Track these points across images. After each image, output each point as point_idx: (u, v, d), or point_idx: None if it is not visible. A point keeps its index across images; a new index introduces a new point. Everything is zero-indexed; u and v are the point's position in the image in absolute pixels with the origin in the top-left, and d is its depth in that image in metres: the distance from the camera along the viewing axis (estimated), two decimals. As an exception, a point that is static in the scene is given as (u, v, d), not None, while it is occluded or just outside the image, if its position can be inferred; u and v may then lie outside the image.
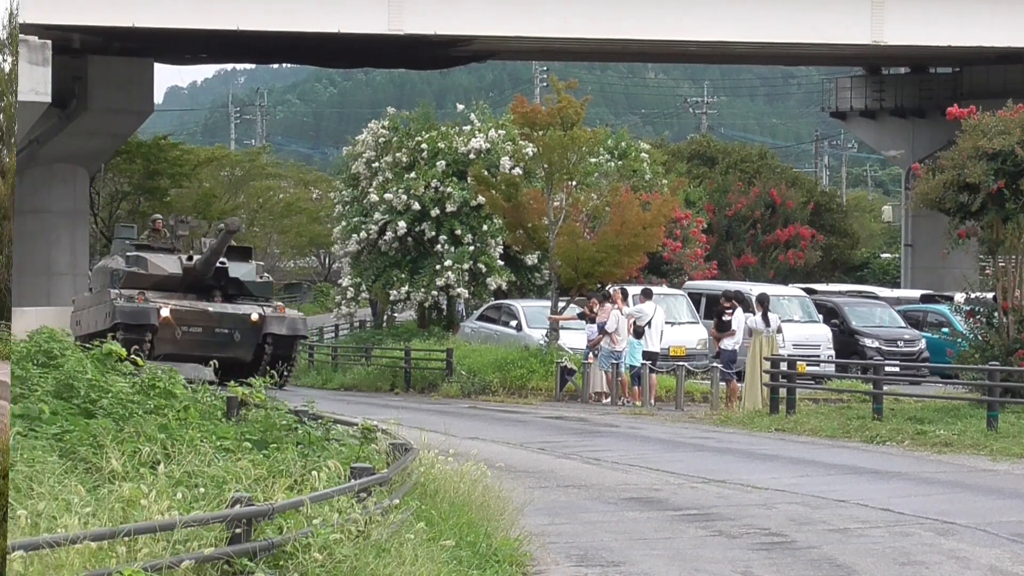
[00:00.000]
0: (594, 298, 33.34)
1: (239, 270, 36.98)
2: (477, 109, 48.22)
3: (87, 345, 16.02)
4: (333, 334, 58.33)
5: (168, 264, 36.40)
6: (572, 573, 12.70)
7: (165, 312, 34.87)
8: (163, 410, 13.70)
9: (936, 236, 40.34)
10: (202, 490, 10.93)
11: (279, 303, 38.38)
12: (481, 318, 40.84)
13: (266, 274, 38.75)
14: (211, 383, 17.35)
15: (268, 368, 35.54)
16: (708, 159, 63.26)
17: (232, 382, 16.70)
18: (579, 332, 33.75)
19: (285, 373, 36.27)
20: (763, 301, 29.99)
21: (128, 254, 36.84)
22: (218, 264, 36.17)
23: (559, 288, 36.17)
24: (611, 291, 32.49)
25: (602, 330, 31.59)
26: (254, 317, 35.71)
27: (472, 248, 44.45)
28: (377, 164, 46.72)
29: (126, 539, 8.92)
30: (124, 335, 33.36)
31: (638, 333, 31.72)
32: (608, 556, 13.33)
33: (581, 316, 33.94)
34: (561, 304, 36.11)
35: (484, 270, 44.45)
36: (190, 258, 36.43)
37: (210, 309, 35.74)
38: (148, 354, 33.00)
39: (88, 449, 12.20)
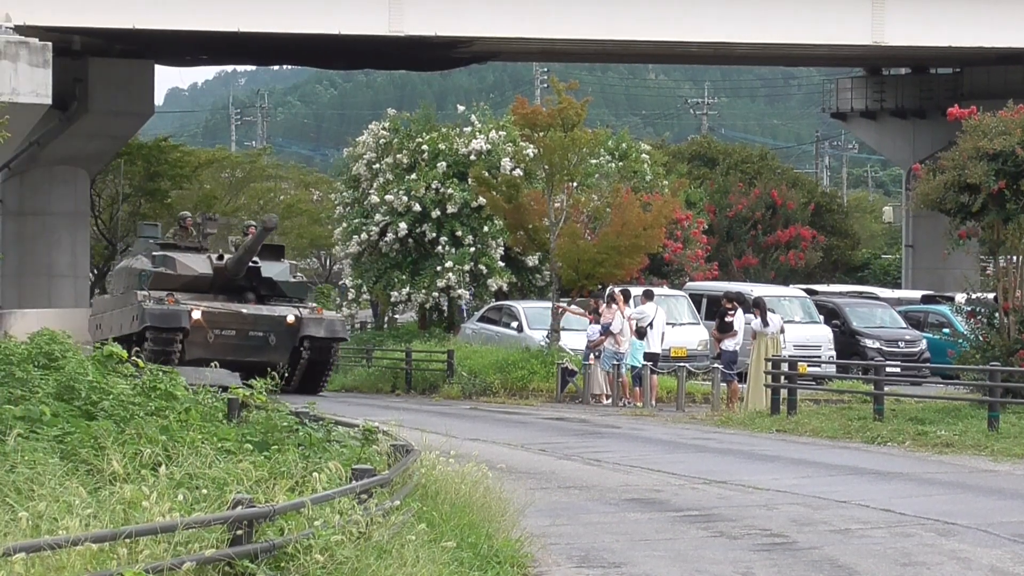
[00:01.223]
0: (596, 299, 33.34)
1: (272, 269, 35.25)
2: (478, 110, 48.24)
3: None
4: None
5: (198, 264, 34.82)
6: (573, 574, 12.70)
7: (197, 314, 33.28)
8: (164, 412, 13.70)
9: (937, 237, 40.34)
10: (203, 492, 10.93)
11: (316, 304, 36.85)
12: (482, 319, 40.84)
13: (299, 273, 36.91)
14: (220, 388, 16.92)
15: (305, 373, 34.35)
16: (709, 160, 63.26)
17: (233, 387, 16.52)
18: (580, 333, 33.72)
19: (323, 378, 35.29)
20: (759, 305, 30.03)
21: (155, 254, 35.18)
22: (250, 263, 34.59)
23: (560, 289, 36.17)
24: (614, 292, 32.52)
25: (607, 331, 31.61)
26: (290, 319, 34.13)
27: (473, 249, 44.45)
28: (378, 165, 46.72)
29: (127, 541, 8.93)
30: (154, 338, 32.62)
31: (640, 334, 31.74)
32: (609, 557, 13.33)
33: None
34: (562, 305, 36.10)
35: (485, 271, 44.45)
36: (220, 257, 34.94)
37: (244, 311, 34.14)
38: (179, 358, 32.21)
39: (89, 451, 12.20)
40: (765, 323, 29.46)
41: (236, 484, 11.31)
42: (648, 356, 31.61)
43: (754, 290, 37.33)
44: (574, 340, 34.41)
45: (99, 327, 36.74)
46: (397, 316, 51.24)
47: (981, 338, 26.69)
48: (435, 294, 44.60)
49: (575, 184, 37.52)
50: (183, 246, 35.65)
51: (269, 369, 32.54)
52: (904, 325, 39.53)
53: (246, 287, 34.84)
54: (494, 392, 34.02)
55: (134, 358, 15.45)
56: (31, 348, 15.56)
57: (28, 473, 11.04)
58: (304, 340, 34.25)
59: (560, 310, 35.32)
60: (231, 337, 33.67)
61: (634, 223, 35.30)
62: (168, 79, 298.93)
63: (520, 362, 34.65)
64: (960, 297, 30.52)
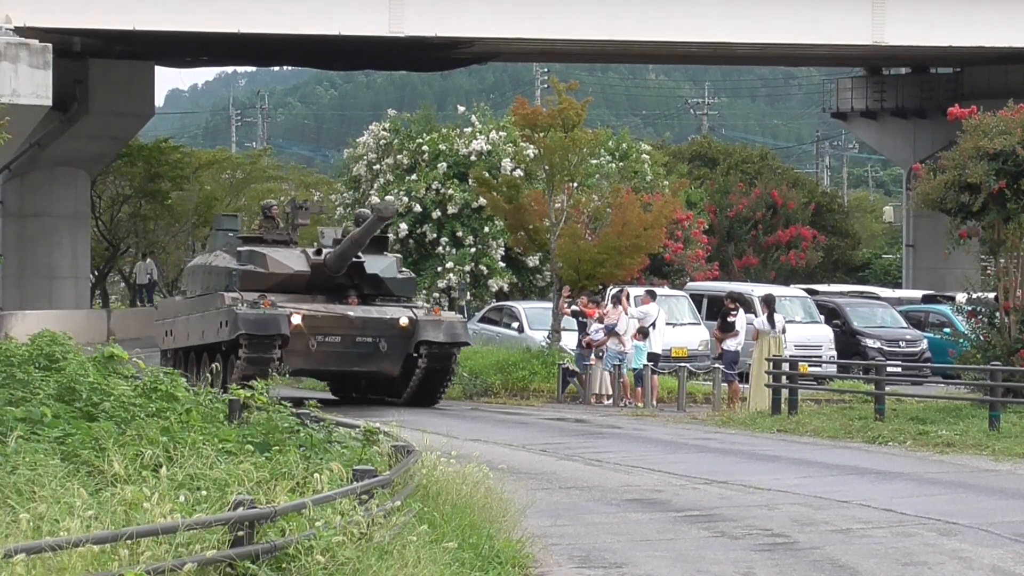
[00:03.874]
0: (584, 297, 33.32)
1: (377, 265, 30.78)
2: (478, 111, 48.24)
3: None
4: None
5: (292, 260, 30.48)
6: (575, 574, 12.70)
7: (296, 319, 29.03)
8: (165, 413, 13.71)
9: (937, 236, 40.36)
10: (204, 493, 10.94)
11: (433, 305, 33.34)
12: (483, 320, 40.81)
13: (405, 268, 32.68)
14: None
15: (420, 383, 30.28)
16: (709, 160, 63.23)
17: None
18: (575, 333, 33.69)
19: (441, 389, 31.15)
20: (769, 302, 30.00)
21: (239, 249, 30.77)
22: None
23: (560, 290, 36.16)
24: (619, 292, 32.56)
25: (610, 331, 31.59)
26: (403, 322, 29.75)
27: (473, 250, 44.46)
28: (378, 166, 46.73)
29: (128, 542, 8.93)
30: (249, 348, 28.65)
31: (644, 334, 31.72)
32: (611, 557, 13.34)
33: (576, 315, 33.87)
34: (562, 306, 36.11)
35: (485, 272, 44.46)
36: (318, 252, 30.50)
37: (350, 314, 29.78)
38: (277, 370, 28.17)
39: (90, 452, 12.21)
40: (772, 323, 29.43)
41: (237, 485, 11.32)
42: (649, 356, 31.62)
43: (755, 290, 37.38)
44: (575, 340, 34.38)
45: (170, 334, 33.02)
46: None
47: (982, 338, 26.72)
48: (436, 295, 44.58)
49: (575, 184, 37.51)
50: (270, 239, 31.42)
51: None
52: (905, 325, 39.53)
53: (347, 285, 30.51)
54: (495, 393, 33.98)
55: (135, 360, 15.42)
56: (32, 350, 15.57)
57: (29, 474, 11.05)
58: (420, 346, 29.84)
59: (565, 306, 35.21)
60: (335, 344, 29.56)
61: (635, 223, 35.29)
62: (168, 80, 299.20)
63: (521, 363, 34.62)
64: (961, 297, 30.54)
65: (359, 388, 32.28)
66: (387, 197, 34.30)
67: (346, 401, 31.52)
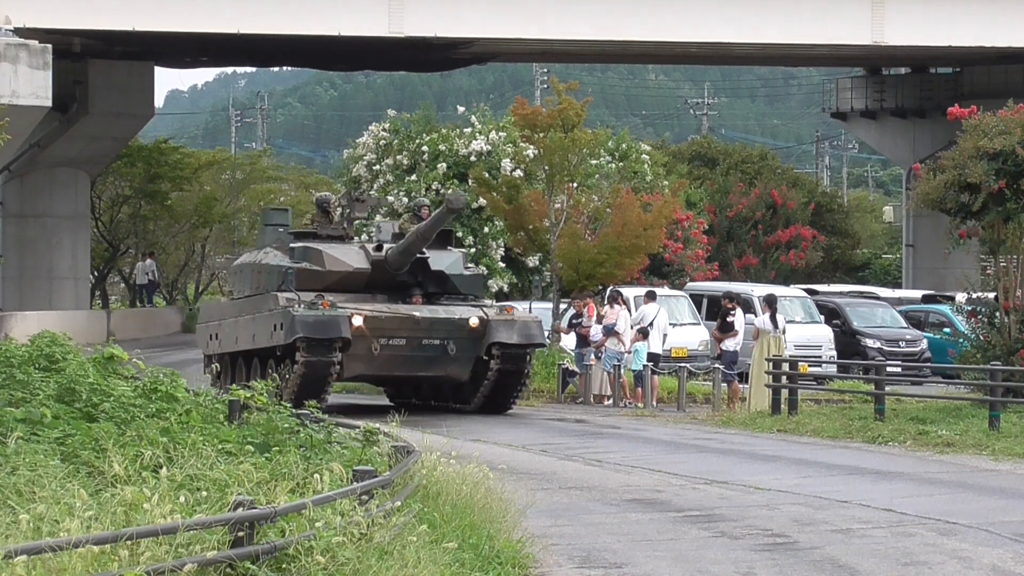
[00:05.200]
0: (579, 299, 33.34)
1: (442, 261, 28.73)
2: (478, 111, 48.24)
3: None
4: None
5: (350, 257, 28.37)
6: (575, 575, 12.70)
7: (358, 321, 27.06)
8: (165, 414, 13.71)
9: (937, 236, 40.34)
10: (204, 493, 10.95)
11: (506, 304, 31.17)
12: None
13: (472, 264, 30.58)
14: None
15: (492, 388, 28.51)
16: (709, 160, 63.25)
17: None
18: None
19: (515, 394, 29.29)
20: (771, 302, 29.98)
21: (292, 245, 28.68)
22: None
23: (560, 290, 36.19)
24: (617, 292, 32.56)
25: (609, 331, 31.59)
26: (473, 322, 27.82)
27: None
28: (378, 167, 46.72)
29: (128, 543, 8.94)
30: (307, 352, 26.64)
31: (644, 334, 31.72)
32: (611, 558, 13.34)
33: (572, 318, 33.84)
34: (563, 306, 36.10)
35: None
36: (378, 247, 28.51)
37: (416, 314, 27.71)
38: (338, 375, 27.50)
39: (90, 453, 12.22)
40: (775, 323, 29.41)
41: (237, 486, 11.33)
42: (649, 356, 31.63)
43: (755, 290, 37.38)
44: (574, 340, 34.36)
45: (215, 337, 30.73)
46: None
47: (982, 338, 26.73)
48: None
49: (575, 185, 37.52)
50: (324, 235, 29.25)
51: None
52: (905, 325, 39.53)
53: (410, 283, 28.49)
54: (495, 393, 33.92)
55: (135, 360, 15.41)
56: (32, 350, 15.57)
57: (29, 475, 11.05)
58: (492, 348, 27.94)
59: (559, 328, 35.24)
60: (400, 347, 27.60)
61: (634, 223, 35.31)
62: (168, 81, 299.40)
63: (521, 363, 34.54)
64: (961, 297, 30.55)
65: (420, 394, 30.50)
66: (458, 192, 32.24)
67: (407, 409, 30.25)
